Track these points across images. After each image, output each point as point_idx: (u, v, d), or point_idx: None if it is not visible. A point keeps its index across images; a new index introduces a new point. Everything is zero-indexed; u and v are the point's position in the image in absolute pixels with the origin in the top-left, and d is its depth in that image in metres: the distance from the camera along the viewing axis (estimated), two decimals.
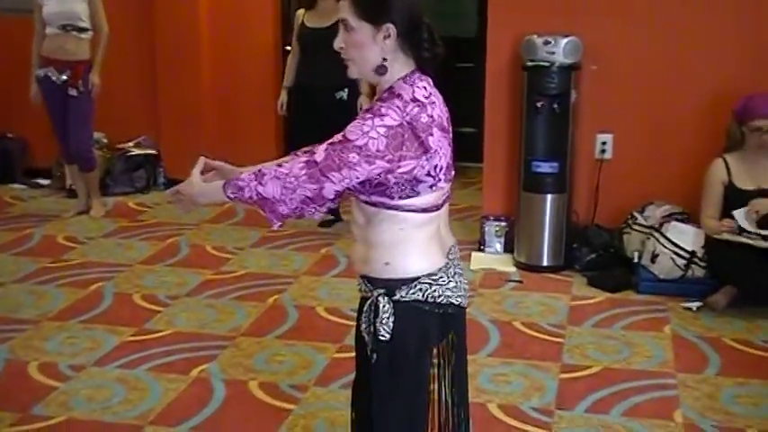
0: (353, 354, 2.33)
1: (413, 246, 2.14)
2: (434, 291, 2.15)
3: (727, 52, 5.05)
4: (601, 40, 5.12)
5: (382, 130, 1.99)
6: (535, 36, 4.99)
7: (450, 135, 2.18)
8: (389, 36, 2.06)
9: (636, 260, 4.86)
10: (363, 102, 5.54)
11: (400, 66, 2.09)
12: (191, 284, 4.88)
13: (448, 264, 2.20)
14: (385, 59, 2.07)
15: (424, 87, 2.09)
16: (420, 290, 2.14)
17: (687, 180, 4.98)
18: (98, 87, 5.92)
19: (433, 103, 2.09)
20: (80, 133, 5.97)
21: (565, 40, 4.94)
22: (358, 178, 2.02)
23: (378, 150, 1.99)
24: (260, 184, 2.05)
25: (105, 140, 6.87)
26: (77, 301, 4.63)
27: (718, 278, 4.57)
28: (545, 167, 5.05)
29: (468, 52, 6.79)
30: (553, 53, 4.95)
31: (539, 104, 5.01)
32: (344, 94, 5.54)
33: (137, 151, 6.89)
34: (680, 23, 5.10)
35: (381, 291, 2.14)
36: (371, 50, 2.07)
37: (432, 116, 2.06)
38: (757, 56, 5.02)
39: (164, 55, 6.73)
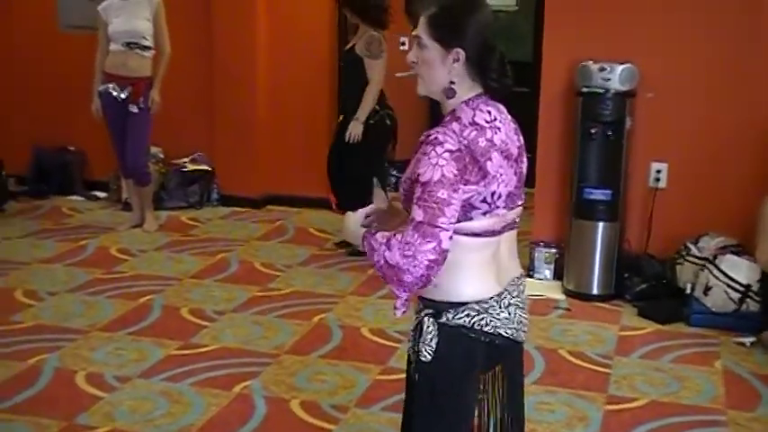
0: (396, 376, 2.33)
1: (464, 270, 2.11)
2: (482, 319, 2.11)
3: None
4: (657, 68, 5.06)
5: (447, 156, 1.99)
6: (591, 62, 4.95)
7: (521, 165, 2.16)
8: (458, 60, 2.07)
9: (688, 292, 4.77)
10: (352, 126, 5.51)
11: (466, 90, 2.10)
12: (238, 300, 4.91)
13: (503, 293, 2.16)
14: (453, 82, 2.08)
15: (488, 112, 2.09)
16: (467, 315, 2.11)
17: (743, 212, 4.87)
18: (158, 105, 6.02)
19: (497, 128, 2.08)
20: (137, 149, 6.08)
21: (621, 67, 4.89)
22: (457, 212, 2.00)
23: (455, 175, 1.98)
24: (388, 248, 2.00)
25: (161, 155, 6.98)
26: (126, 312, 4.69)
27: None
28: (597, 195, 4.99)
29: (524, 77, 6.73)
30: (609, 80, 4.91)
31: (593, 131, 4.96)
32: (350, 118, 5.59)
33: (192, 167, 6.98)
34: (737, 52, 5.01)
35: (429, 312, 2.12)
36: (439, 71, 2.08)
37: (491, 140, 2.05)
38: None
39: (221, 74, 6.83)
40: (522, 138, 2.21)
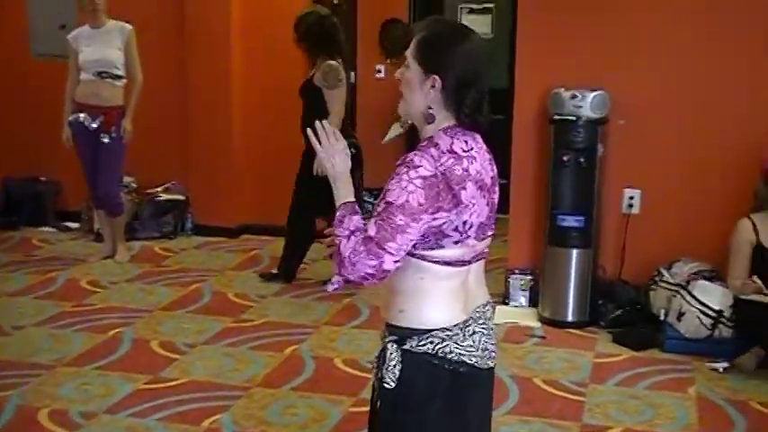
0: (368, 408, 2.30)
1: (431, 298, 2.11)
2: (446, 346, 2.10)
3: (758, 110, 4.96)
4: (629, 95, 5.07)
5: (418, 182, 1.99)
6: (562, 89, 4.96)
7: (493, 196, 2.16)
8: (435, 87, 2.09)
9: (662, 318, 4.76)
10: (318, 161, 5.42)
11: (442, 118, 2.11)
12: (210, 332, 4.85)
13: (468, 321, 2.14)
14: (430, 108, 2.10)
15: (466, 141, 2.09)
16: (431, 342, 2.10)
17: (716, 238, 4.86)
18: (130, 134, 5.98)
19: (473, 158, 2.09)
20: (109, 179, 6.02)
21: (592, 94, 4.90)
22: (411, 241, 2.01)
23: (419, 204, 1.98)
24: (347, 239, 2.03)
25: (135, 185, 6.92)
26: (95, 346, 4.62)
27: (746, 339, 4.44)
28: (571, 221, 4.98)
29: (499, 104, 6.75)
30: (580, 107, 4.91)
31: (565, 158, 4.96)
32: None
33: (165, 196, 6.93)
34: (710, 80, 5.03)
35: (393, 338, 2.12)
36: (417, 94, 2.10)
37: (467, 170, 2.05)
38: None
39: (195, 102, 6.80)
40: (495, 168, 2.21)
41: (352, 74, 7.59)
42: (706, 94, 5.06)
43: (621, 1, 5.14)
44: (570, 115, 4.92)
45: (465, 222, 2.06)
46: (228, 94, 6.75)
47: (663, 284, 4.88)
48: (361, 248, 1.99)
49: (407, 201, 1.98)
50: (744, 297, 4.40)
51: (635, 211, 5.19)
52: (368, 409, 2.31)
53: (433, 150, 2.04)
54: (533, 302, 5.24)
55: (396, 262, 2.00)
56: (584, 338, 4.86)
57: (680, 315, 4.63)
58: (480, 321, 2.18)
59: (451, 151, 2.05)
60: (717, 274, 4.81)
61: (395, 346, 2.10)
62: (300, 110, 5.71)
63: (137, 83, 5.98)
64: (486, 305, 2.23)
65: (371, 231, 1.99)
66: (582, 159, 4.95)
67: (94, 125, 5.89)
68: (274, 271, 5.82)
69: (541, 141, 5.19)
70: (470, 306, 2.17)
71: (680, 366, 4.45)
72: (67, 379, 4.20)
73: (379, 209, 2.01)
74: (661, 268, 4.96)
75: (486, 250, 2.20)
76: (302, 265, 5.93)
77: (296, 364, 4.43)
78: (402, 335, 2.11)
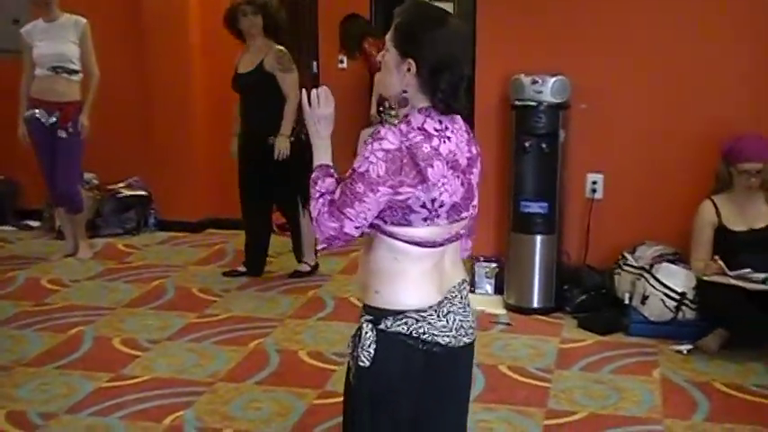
0: (334, 400, 2.34)
1: (404, 279, 2.14)
2: (420, 327, 2.14)
3: (718, 92, 4.98)
4: (589, 80, 5.06)
5: (380, 154, 2.04)
6: (523, 75, 4.94)
7: (469, 176, 2.18)
8: (410, 71, 2.11)
9: (626, 302, 4.77)
10: (279, 143, 5.32)
11: (418, 101, 2.14)
12: (173, 328, 4.79)
13: (442, 302, 2.17)
14: (405, 92, 2.13)
15: (440, 121, 2.12)
16: (405, 323, 2.13)
17: (679, 220, 4.88)
18: (87, 129, 5.88)
19: (447, 138, 2.11)
20: (68, 175, 5.92)
21: (552, 80, 4.89)
22: (370, 209, 2.07)
23: (378, 176, 2.03)
24: (315, 201, 2.14)
25: (96, 181, 6.84)
26: (55, 345, 4.54)
27: (709, 320, 4.46)
28: (534, 208, 4.97)
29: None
30: (541, 92, 4.90)
31: (527, 144, 4.95)
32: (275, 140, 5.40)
33: (127, 192, 6.85)
34: (670, 62, 5.04)
35: (369, 318, 2.15)
36: (394, 76, 2.14)
37: (436, 148, 2.08)
38: (749, 96, 4.94)
39: (156, 96, 6.71)
40: (476, 148, 2.24)
41: (315, 63, 7.55)
42: (667, 76, 5.07)
43: None
44: (531, 101, 4.91)
45: (434, 200, 2.08)
46: (189, 88, 6.68)
47: (627, 268, 4.89)
48: (326, 210, 2.10)
49: (368, 170, 2.04)
50: (706, 279, 4.42)
51: (598, 195, 5.20)
52: (332, 401, 2.32)
53: (403, 126, 2.08)
54: (499, 290, 5.23)
55: (357, 228, 2.09)
56: (550, 324, 4.86)
57: (644, 298, 4.64)
58: (456, 301, 2.20)
59: (422, 129, 2.08)
60: (680, 257, 4.83)
61: (370, 325, 2.14)
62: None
63: (93, 77, 5.89)
64: (461, 283, 2.25)
65: (335, 196, 2.10)
66: (544, 145, 4.95)
67: (51, 121, 5.79)
68: (241, 268, 5.76)
69: (503, 128, 5.18)
70: (445, 287, 2.19)
71: (644, 349, 4.46)
72: (26, 379, 4.12)
73: (347, 174, 2.09)
74: (625, 252, 4.97)
75: (463, 231, 2.22)
76: (268, 258, 5.89)
77: (260, 358, 4.38)
78: (378, 315, 2.15)
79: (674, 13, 5.01)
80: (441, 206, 2.10)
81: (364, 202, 2.05)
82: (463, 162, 2.15)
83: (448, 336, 2.17)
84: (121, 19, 6.77)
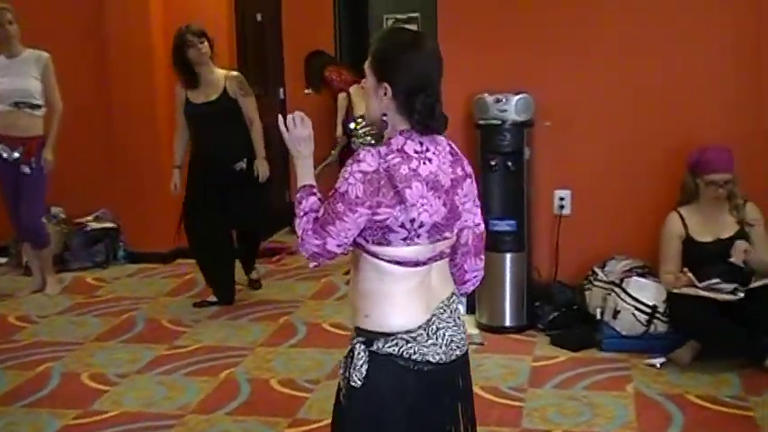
0: (305, 428, 2.41)
1: (392, 301, 2.18)
2: (410, 348, 2.18)
3: (684, 106, 4.99)
4: (553, 97, 5.08)
5: (359, 176, 2.09)
6: (486, 95, 4.96)
7: (453, 197, 2.20)
8: (386, 95, 2.17)
9: (598, 317, 4.76)
10: (260, 165, 5.44)
11: (398, 123, 2.18)
12: (142, 361, 4.73)
13: (430, 320, 2.20)
14: (385, 115, 2.19)
15: (420, 143, 2.16)
16: (396, 345, 2.17)
17: (648, 233, 4.88)
18: (51, 164, 5.82)
19: (428, 159, 2.15)
20: (32, 210, 5.85)
21: (516, 98, 4.91)
22: (350, 229, 2.13)
23: (357, 197, 2.09)
24: (299, 218, 2.20)
25: (63, 215, 6.77)
26: (23, 383, 4.46)
27: (681, 333, 4.45)
28: (502, 226, 4.97)
29: None
30: (505, 111, 4.91)
31: (493, 163, 4.95)
32: (243, 164, 5.46)
33: (95, 225, 6.79)
34: (635, 77, 5.05)
35: (361, 339, 2.20)
36: (373, 101, 2.21)
37: (415, 170, 2.12)
38: (715, 110, 4.96)
39: (120, 128, 6.67)
40: (463, 169, 2.27)
41: (281, 90, 7.55)
42: (632, 91, 5.09)
43: (541, 4, 5.15)
44: (495, 120, 4.92)
45: (413, 221, 2.12)
46: (154, 118, 6.64)
47: (597, 284, 4.89)
48: (310, 227, 2.16)
49: (347, 191, 2.10)
50: (676, 291, 4.42)
51: (566, 212, 5.20)
52: (304, 429, 2.31)
53: (382, 149, 2.13)
54: (471, 309, 5.21)
55: (339, 246, 2.15)
56: (523, 342, 4.84)
57: (615, 313, 4.63)
58: (444, 316, 2.23)
59: (401, 150, 2.13)
60: (650, 270, 4.83)
61: (362, 346, 2.18)
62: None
63: (57, 111, 5.82)
64: (450, 297, 2.28)
65: (319, 214, 2.16)
66: (510, 163, 4.95)
67: (14, 156, 5.73)
68: (211, 299, 5.70)
69: (469, 147, 5.15)
70: (433, 304, 2.22)
71: (618, 364, 4.45)
72: None
73: (330, 194, 2.16)
74: (595, 267, 4.97)
75: (448, 251, 2.26)
76: (238, 286, 5.85)
77: (231, 388, 4.33)
78: (369, 338, 2.19)
79: (639, 28, 5.03)
80: (420, 226, 2.13)
81: (344, 221, 2.11)
82: (446, 183, 2.18)
83: (438, 353, 2.20)
84: (85, 50, 6.74)
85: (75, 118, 6.61)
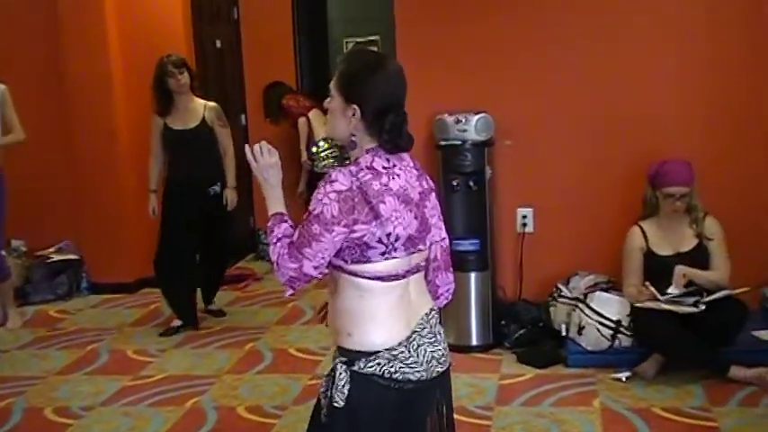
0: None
1: (374, 318, 2.20)
2: (392, 366, 2.19)
3: (644, 122, 5.05)
4: (513, 115, 5.12)
5: (333, 195, 2.12)
6: (446, 115, 4.98)
7: (423, 210, 2.25)
8: (354, 115, 2.20)
9: (564, 333, 4.78)
10: (230, 194, 5.59)
11: (366, 142, 2.22)
12: (107, 393, 4.66)
13: (411, 336, 2.22)
14: (353, 135, 2.21)
15: (387, 159, 2.21)
16: (378, 364, 2.18)
17: (610, 248, 4.91)
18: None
19: (396, 175, 2.20)
20: None
21: (476, 118, 4.94)
22: (326, 250, 2.15)
23: (333, 216, 2.11)
24: (273, 245, 2.22)
25: (24, 248, 6.70)
26: None
27: (645, 346, 4.48)
28: (466, 245, 4.98)
29: None
30: (465, 131, 4.94)
31: (455, 183, 4.97)
32: (217, 188, 5.60)
33: (57, 257, 6.71)
34: (595, 94, 5.10)
35: (343, 359, 2.21)
36: (340, 121, 2.23)
37: (386, 185, 2.16)
38: (675, 126, 5.02)
39: (81, 158, 6.62)
40: (427, 183, 2.34)
41: (243, 116, 7.54)
42: (592, 108, 5.14)
43: (497, 24, 5.20)
44: (456, 140, 4.95)
45: (389, 235, 2.16)
46: (115, 148, 6.59)
47: (562, 300, 4.91)
48: (285, 252, 2.17)
49: (322, 212, 2.12)
50: (639, 305, 4.45)
51: (529, 229, 5.23)
52: None
53: (352, 167, 2.17)
54: None
55: (315, 268, 2.17)
56: (490, 361, 4.84)
57: (580, 329, 4.65)
58: (425, 332, 2.26)
59: (370, 167, 2.17)
60: (614, 285, 4.87)
61: (344, 366, 2.19)
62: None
63: (20, 141, 5.70)
64: (429, 313, 2.30)
65: (294, 237, 2.18)
66: (471, 183, 4.98)
67: None
68: (176, 323, 5.67)
69: (430, 167, 5.16)
70: (413, 320, 2.25)
71: (584, 380, 4.46)
72: None
73: (304, 217, 2.17)
74: (559, 284, 5.00)
75: (423, 263, 2.30)
76: (202, 314, 5.82)
77: (197, 417, 4.29)
78: (351, 357, 2.20)
79: (598, 44, 5.09)
80: (396, 240, 2.17)
81: (321, 242, 2.12)
82: (415, 196, 2.24)
83: (419, 371, 2.21)
84: (45, 82, 6.68)
85: (35, 149, 6.56)
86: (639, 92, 5.07)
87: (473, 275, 4.99)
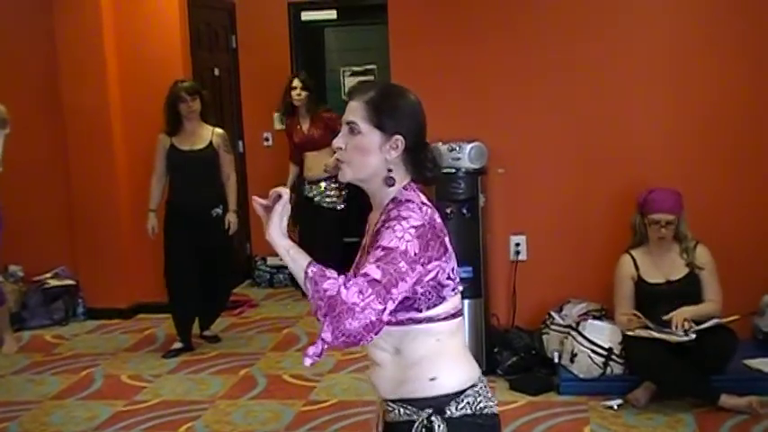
0: None
1: (452, 356, 2.07)
2: (479, 402, 2.07)
3: (635, 151, 5.11)
4: (506, 144, 5.18)
5: (413, 232, 1.95)
6: (440, 143, 5.02)
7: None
8: (397, 148, 2.05)
9: (556, 360, 4.80)
10: (231, 218, 5.71)
11: (401, 177, 2.07)
12: (101, 418, 4.68)
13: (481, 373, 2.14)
14: (390, 170, 2.05)
15: (424, 193, 2.10)
16: (468, 404, 2.05)
17: (602, 276, 4.95)
18: None
19: (436, 208, 2.09)
20: None
21: (469, 146, 4.99)
22: (405, 292, 1.94)
23: (415, 253, 1.94)
24: (345, 287, 1.87)
25: (21, 273, 6.72)
26: None
27: (636, 374, 4.51)
28: (459, 273, 5.00)
29: None
30: (459, 159, 4.99)
31: (448, 210, 4.99)
32: (219, 210, 5.73)
33: (54, 282, 6.72)
34: (587, 123, 5.17)
35: (430, 411, 2.03)
36: (375, 158, 2.04)
37: (440, 219, 2.07)
38: (666, 155, 5.08)
39: (78, 184, 6.66)
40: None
41: (240, 143, 7.60)
42: (584, 137, 5.20)
43: (491, 54, 5.27)
44: (450, 168, 4.99)
45: (453, 269, 2.05)
46: (112, 174, 6.63)
47: (554, 327, 4.94)
48: (369, 291, 1.87)
49: (407, 249, 1.93)
50: (630, 333, 4.47)
51: (522, 257, 5.27)
52: None
53: (411, 205, 2.02)
54: None
55: (390, 313, 1.92)
56: None
57: (573, 356, 4.68)
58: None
59: (424, 203, 2.05)
60: (606, 313, 4.91)
61: (439, 417, 2.02)
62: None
63: None
64: None
65: (377, 275, 1.89)
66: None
67: None
68: (177, 346, 5.73)
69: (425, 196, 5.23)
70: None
71: (575, 407, 4.48)
72: None
73: (378, 255, 1.93)
74: (552, 311, 5.03)
75: None
76: (198, 340, 5.85)
77: None
78: (439, 404, 2.03)
79: (589, 73, 5.16)
80: (455, 272, 2.07)
81: (406, 280, 1.92)
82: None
83: (495, 405, 2.13)
84: (41, 108, 6.74)
85: (32, 175, 6.65)
86: (630, 121, 5.14)
87: (466, 303, 4.98)
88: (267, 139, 7.62)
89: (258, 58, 7.58)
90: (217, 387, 5.08)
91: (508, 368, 4.97)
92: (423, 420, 2.03)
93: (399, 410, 2.07)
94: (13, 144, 5.73)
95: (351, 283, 1.88)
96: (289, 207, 2.00)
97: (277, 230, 1.97)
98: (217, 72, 7.35)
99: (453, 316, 2.07)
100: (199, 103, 5.63)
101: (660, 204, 4.51)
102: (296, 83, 6.29)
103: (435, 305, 2.02)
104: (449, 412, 2.03)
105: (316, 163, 6.16)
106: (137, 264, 6.69)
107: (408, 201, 2.03)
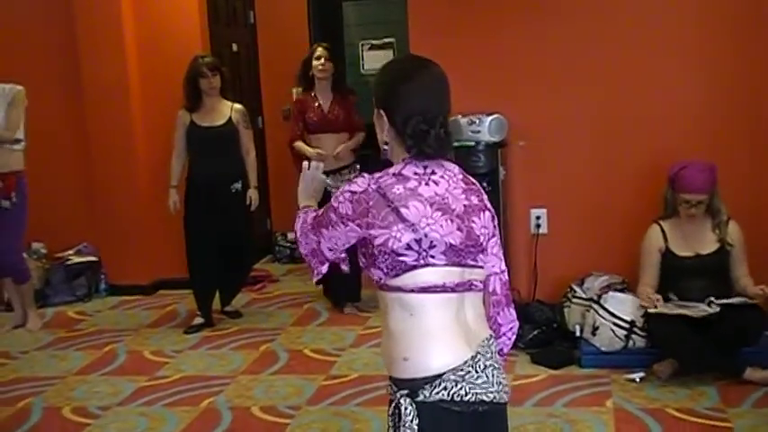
0: None
1: (429, 338, 2.03)
2: (461, 389, 2.00)
3: (659, 122, 5.06)
4: (526, 116, 5.14)
5: (347, 195, 2.10)
6: (459, 116, 5.00)
7: (470, 223, 2.10)
8: (382, 119, 2.17)
9: (577, 334, 4.78)
10: (253, 194, 5.72)
11: (400, 152, 2.15)
12: (124, 393, 4.71)
13: (476, 356, 2.04)
14: (386, 143, 2.17)
15: (425, 167, 2.10)
16: (445, 388, 2.00)
17: (625, 249, 4.93)
18: None
19: (434, 182, 2.08)
20: (11, 245, 5.82)
21: (489, 119, 4.96)
22: (340, 239, 2.15)
23: (346, 214, 2.10)
24: (300, 216, 2.32)
25: (44, 251, 6.76)
26: (4, 419, 4.44)
27: (658, 349, 4.47)
28: None
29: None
30: (479, 132, 4.96)
31: None
32: (239, 185, 5.72)
33: (77, 259, 6.77)
34: (609, 95, 5.12)
35: (404, 392, 2.03)
36: (378, 127, 2.20)
37: (413, 189, 2.05)
38: (691, 126, 5.02)
39: (99, 161, 6.68)
40: (480, 200, 2.17)
41: (259, 119, 7.58)
42: (606, 109, 5.14)
43: (510, 25, 5.22)
44: (469, 141, 4.97)
45: (419, 240, 2.02)
46: (132, 150, 6.65)
47: (576, 301, 4.91)
48: (309, 225, 2.24)
49: (338, 207, 2.13)
50: (651, 310, 4.42)
51: (543, 230, 5.24)
52: None
53: (378, 173, 2.12)
54: None
55: (330, 250, 2.20)
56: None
57: (594, 329, 4.65)
58: (488, 355, 2.08)
59: (398, 174, 2.09)
60: (628, 286, 4.87)
61: (408, 399, 2.01)
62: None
63: (7, 139, 5.59)
64: (489, 339, 2.13)
65: (318, 214, 2.23)
66: (485, 184, 4.95)
67: None
68: (197, 321, 5.76)
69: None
70: (473, 341, 2.07)
71: (597, 380, 4.46)
72: None
73: (326, 206, 2.21)
74: (573, 285, 5.00)
75: (478, 284, 2.13)
76: (219, 315, 5.87)
77: (212, 417, 4.32)
78: (413, 387, 2.02)
79: (613, 45, 5.10)
80: (431, 246, 2.03)
81: (336, 229, 2.14)
82: (457, 207, 2.08)
83: (491, 392, 2.05)
84: (61, 86, 6.76)
85: (52, 153, 6.67)
86: (654, 92, 5.07)
87: None
88: (287, 118, 7.58)
89: (276, 34, 7.55)
90: (238, 362, 5.10)
91: (529, 342, 4.94)
92: (396, 400, 2.04)
93: (388, 388, 2.14)
94: (31, 120, 5.77)
95: (305, 214, 2.30)
96: (318, 174, 2.45)
97: (301, 191, 2.42)
98: (235, 48, 7.33)
99: (427, 290, 2.04)
100: (219, 80, 5.62)
101: (691, 184, 4.41)
102: (320, 51, 5.76)
103: (398, 274, 2.05)
104: (422, 396, 2.01)
105: (330, 148, 5.73)
106: (158, 240, 6.71)
107: (385, 171, 2.13)
